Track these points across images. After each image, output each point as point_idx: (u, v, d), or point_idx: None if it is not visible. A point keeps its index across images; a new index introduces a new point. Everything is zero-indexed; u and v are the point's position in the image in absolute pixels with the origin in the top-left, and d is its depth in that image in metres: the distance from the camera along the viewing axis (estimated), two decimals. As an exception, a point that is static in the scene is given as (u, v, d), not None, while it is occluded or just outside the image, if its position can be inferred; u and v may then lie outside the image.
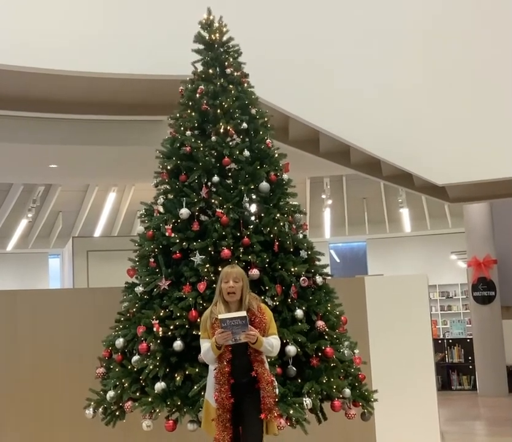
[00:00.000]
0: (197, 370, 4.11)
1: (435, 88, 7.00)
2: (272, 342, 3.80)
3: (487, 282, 12.13)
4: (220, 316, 3.66)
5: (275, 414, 3.70)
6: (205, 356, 3.79)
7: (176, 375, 4.14)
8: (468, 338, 13.04)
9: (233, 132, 4.70)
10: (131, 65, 6.42)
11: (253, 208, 4.50)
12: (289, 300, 4.38)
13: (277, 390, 3.81)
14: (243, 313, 3.67)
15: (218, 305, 3.84)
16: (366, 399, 4.51)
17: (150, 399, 4.11)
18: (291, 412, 3.94)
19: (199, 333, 4.07)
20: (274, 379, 3.85)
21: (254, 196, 4.54)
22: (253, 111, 4.92)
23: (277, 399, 3.79)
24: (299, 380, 4.19)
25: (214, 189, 4.54)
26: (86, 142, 8.24)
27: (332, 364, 4.34)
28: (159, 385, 4.11)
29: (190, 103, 4.90)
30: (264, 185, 4.59)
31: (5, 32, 5.63)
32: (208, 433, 3.80)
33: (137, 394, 4.23)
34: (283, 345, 4.07)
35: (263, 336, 3.75)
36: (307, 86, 7.01)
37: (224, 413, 3.67)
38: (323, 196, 16.23)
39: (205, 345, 3.77)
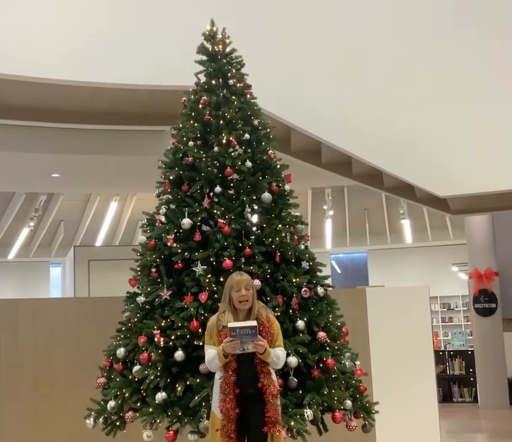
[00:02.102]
0: (198, 380, 4.10)
1: (437, 100, 7.02)
2: (278, 354, 3.76)
3: (488, 294, 12.11)
4: (230, 325, 3.62)
5: (279, 429, 3.65)
6: (210, 363, 3.76)
7: (177, 385, 4.14)
8: (470, 350, 13.01)
9: (235, 142, 4.71)
10: (133, 75, 6.44)
11: (255, 219, 4.50)
12: (290, 311, 4.38)
13: (278, 401, 3.79)
14: (253, 322, 3.64)
15: (226, 313, 3.81)
16: (367, 411, 4.49)
17: (150, 410, 4.09)
18: (292, 423, 3.94)
19: (201, 343, 4.08)
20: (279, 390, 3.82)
21: (256, 207, 4.54)
22: (256, 122, 4.93)
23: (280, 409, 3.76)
24: (300, 392, 4.18)
25: (216, 200, 4.55)
26: (88, 151, 8.25)
27: (333, 376, 4.34)
28: (160, 396, 4.10)
29: (193, 114, 4.91)
30: (266, 196, 4.60)
31: (8, 41, 5.65)
32: None
33: (138, 404, 4.22)
34: (285, 356, 4.07)
35: (269, 347, 3.73)
36: (309, 98, 7.03)
37: (230, 423, 3.61)
38: (325, 207, 16.25)
39: (211, 352, 3.74)
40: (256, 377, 3.69)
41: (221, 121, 4.79)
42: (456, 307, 17.97)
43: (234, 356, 3.68)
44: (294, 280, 4.41)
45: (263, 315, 3.82)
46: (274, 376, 3.78)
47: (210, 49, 5.04)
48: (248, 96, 5.03)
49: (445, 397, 12.69)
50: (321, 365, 4.30)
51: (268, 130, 5.03)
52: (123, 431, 4.42)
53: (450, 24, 5.55)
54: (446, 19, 5.49)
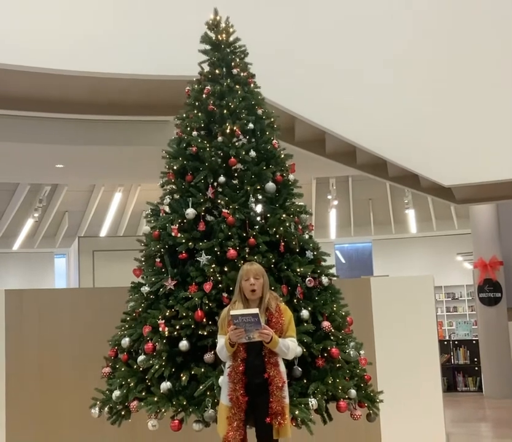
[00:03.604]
0: (203, 370, 4.11)
1: (442, 89, 6.99)
2: (288, 344, 3.76)
3: (493, 284, 12.09)
4: (232, 312, 3.64)
5: (280, 421, 3.65)
6: (220, 352, 3.80)
7: (182, 375, 4.14)
8: (474, 340, 13.01)
9: (239, 132, 4.69)
10: (137, 65, 6.43)
11: (259, 208, 4.49)
12: (295, 301, 4.38)
13: (286, 392, 3.78)
14: (255, 310, 3.64)
15: (237, 303, 3.83)
16: (372, 400, 4.50)
17: (155, 399, 4.11)
18: (296, 412, 3.94)
19: (205, 333, 4.09)
20: (286, 381, 3.82)
21: (260, 197, 4.53)
22: (260, 111, 4.91)
23: (286, 401, 3.75)
24: (305, 381, 4.18)
25: (220, 190, 4.54)
26: (93, 142, 8.26)
27: (338, 365, 4.34)
28: (165, 385, 4.11)
29: (197, 103, 4.90)
30: (270, 186, 4.59)
31: (12, 32, 5.65)
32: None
33: (143, 394, 4.23)
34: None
35: (279, 337, 3.72)
36: (313, 87, 7.01)
37: (239, 412, 3.63)
38: (329, 197, 16.23)
39: (221, 341, 3.78)
40: (264, 367, 3.70)
41: (225, 111, 4.77)
42: (461, 296, 17.96)
43: (244, 346, 3.69)
44: (298, 270, 4.41)
45: (273, 305, 3.83)
46: (282, 367, 3.77)
47: (213, 38, 5.02)
48: (252, 85, 5.01)
49: (449, 386, 12.70)
50: (325, 354, 4.30)
51: (272, 119, 5.01)
52: (128, 420, 4.44)
53: (454, 16, 5.52)
54: (450, 11, 5.46)
